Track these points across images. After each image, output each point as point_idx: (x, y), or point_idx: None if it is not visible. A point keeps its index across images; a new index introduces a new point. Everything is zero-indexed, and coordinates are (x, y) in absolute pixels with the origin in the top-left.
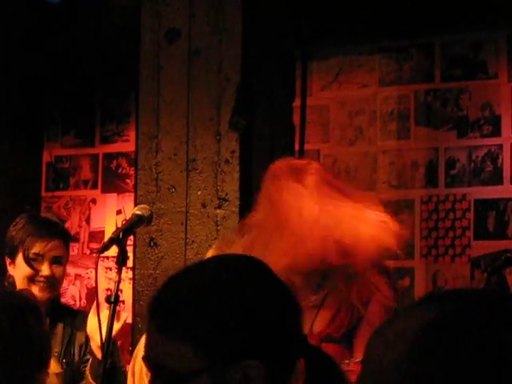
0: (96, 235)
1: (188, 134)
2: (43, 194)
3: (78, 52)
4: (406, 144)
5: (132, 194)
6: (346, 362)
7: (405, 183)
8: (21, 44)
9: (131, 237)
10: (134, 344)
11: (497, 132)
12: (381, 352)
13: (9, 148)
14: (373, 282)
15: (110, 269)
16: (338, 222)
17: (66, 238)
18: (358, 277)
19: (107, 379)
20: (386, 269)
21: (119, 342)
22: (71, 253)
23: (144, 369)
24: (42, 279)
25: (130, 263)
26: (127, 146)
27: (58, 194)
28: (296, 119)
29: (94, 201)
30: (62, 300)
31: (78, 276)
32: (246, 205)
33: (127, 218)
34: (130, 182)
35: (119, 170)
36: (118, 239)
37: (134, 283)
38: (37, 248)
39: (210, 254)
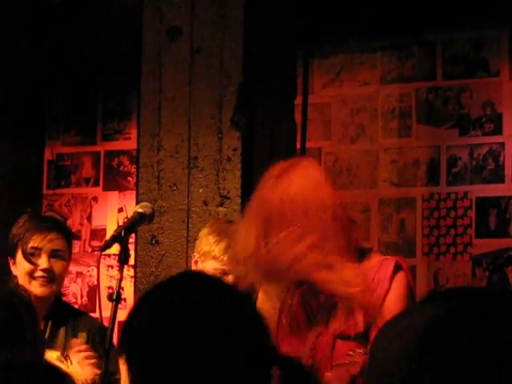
0: (97, 233)
1: (190, 131)
2: (45, 191)
3: (80, 50)
4: (407, 142)
5: (133, 192)
6: (350, 353)
7: (406, 181)
8: (22, 42)
9: (133, 235)
10: None
11: (498, 130)
12: (385, 348)
13: (10, 146)
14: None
15: (112, 267)
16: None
17: (67, 234)
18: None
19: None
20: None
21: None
22: (73, 250)
23: None
24: (40, 274)
25: (131, 261)
26: (129, 143)
27: (59, 191)
28: (298, 117)
29: (95, 199)
30: (64, 297)
31: (79, 274)
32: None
33: (129, 216)
34: (132, 180)
35: (121, 168)
36: (120, 237)
37: (135, 281)
38: (34, 241)
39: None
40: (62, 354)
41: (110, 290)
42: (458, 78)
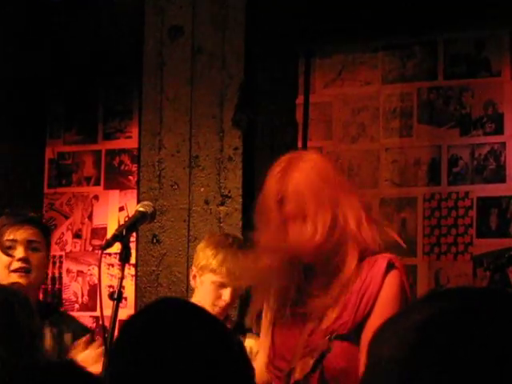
0: (98, 232)
1: (191, 131)
2: (46, 190)
3: (81, 49)
4: (408, 142)
5: (135, 191)
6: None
7: (407, 181)
8: (22, 42)
9: (134, 233)
10: None
11: (500, 130)
12: (381, 347)
13: (11, 145)
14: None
15: (113, 265)
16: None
17: (41, 227)
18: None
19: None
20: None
21: None
22: (73, 249)
23: None
24: (18, 265)
25: (132, 260)
26: (130, 142)
27: (60, 190)
28: (299, 116)
29: (96, 197)
30: (64, 296)
31: (80, 272)
32: (249, 202)
33: (130, 215)
34: (133, 179)
35: (122, 167)
36: (121, 236)
37: (136, 280)
38: (9, 234)
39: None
40: (55, 355)
41: (111, 289)
42: (460, 78)
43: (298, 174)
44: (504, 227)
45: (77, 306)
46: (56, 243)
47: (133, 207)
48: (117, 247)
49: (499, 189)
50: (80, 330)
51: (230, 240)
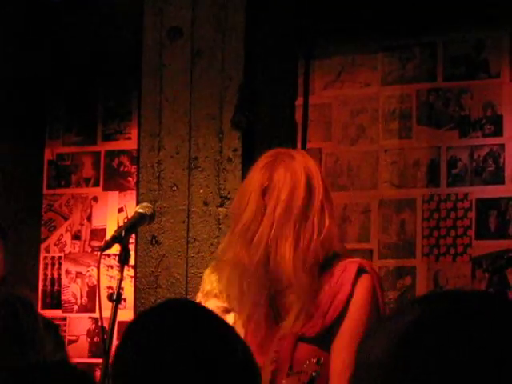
0: (97, 233)
1: (190, 132)
2: (45, 191)
3: (81, 50)
4: (407, 143)
5: (134, 192)
6: (307, 362)
7: (406, 182)
8: (22, 42)
9: (133, 235)
10: None
11: (499, 131)
12: (369, 351)
13: (10, 146)
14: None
15: (112, 267)
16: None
17: None
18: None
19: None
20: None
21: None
22: (72, 250)
23: None
24: None
25: (131, 261)
26: (129, 143)
27: (59, 191)
28: (298, 118)
29: (95, 198)
30: (63, 297)
31: (79, 274)
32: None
33: (129, 216)
34: (132, 180)
35: (121, 168)
36: (121, 237)
37: (135, 281)
38: None
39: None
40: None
41: (110, 290)
42: (459, 80)
43: (284, 170)
44: (503, 229)
45: (76, 307)
46: (55, 244)
47: (132, 208)
48: (116, 248)
49: (498, 190)
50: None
51: None
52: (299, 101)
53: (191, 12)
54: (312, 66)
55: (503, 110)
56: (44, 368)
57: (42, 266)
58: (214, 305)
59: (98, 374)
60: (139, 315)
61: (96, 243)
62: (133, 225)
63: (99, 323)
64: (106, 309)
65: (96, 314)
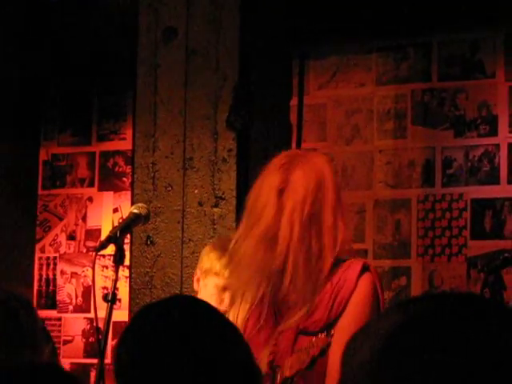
0: (92, 233)
1: (185, 132)
2: (40, 191)
3: (75, 51)
4: (402, 143)
5: (129, 193)
6: (313, 340)
7: (401, 182)
8: (19, 43)
9: (128, 235)
10: None
11: (494, 132)
12: (353, 356)
13: (5, 146)
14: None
15: (107, 267)
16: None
17: None
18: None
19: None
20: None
21: (115, 341)
22: (67, 251)
23: None
24: None
25: (126, 262)
26: (124, 144)
27: (54, 191)
28: (293, 118)
29: (90, 199)
30: (58, 298)
31: (74, 274)
32: (243, 203)
33: (124, 217)
34: (127, 181)
35: (116, 169)
36: (116, 238)
37: (130, 281)
38: None
39: (206, 251)
40: None
41: (105, 291)
42: (454, 80)
43: (301, 172)
44: (498, 229)
45: (71, 307)
46: (50, 245)
47: (127, 209)
48: (111, 249)
49: (493, 190)
50: None
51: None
52: (294, 101)
53: (186, 12)
54: (307, 66)
55: (498, 110)
56: (33, 369)
57: (37, 267)
58: (213, 282)
59: (93, 374)
60: (142, 309)
61: (91, 243)
62: (128, 225)
63: (94, 323)
64: (101, 309)
65: (91, 315)
